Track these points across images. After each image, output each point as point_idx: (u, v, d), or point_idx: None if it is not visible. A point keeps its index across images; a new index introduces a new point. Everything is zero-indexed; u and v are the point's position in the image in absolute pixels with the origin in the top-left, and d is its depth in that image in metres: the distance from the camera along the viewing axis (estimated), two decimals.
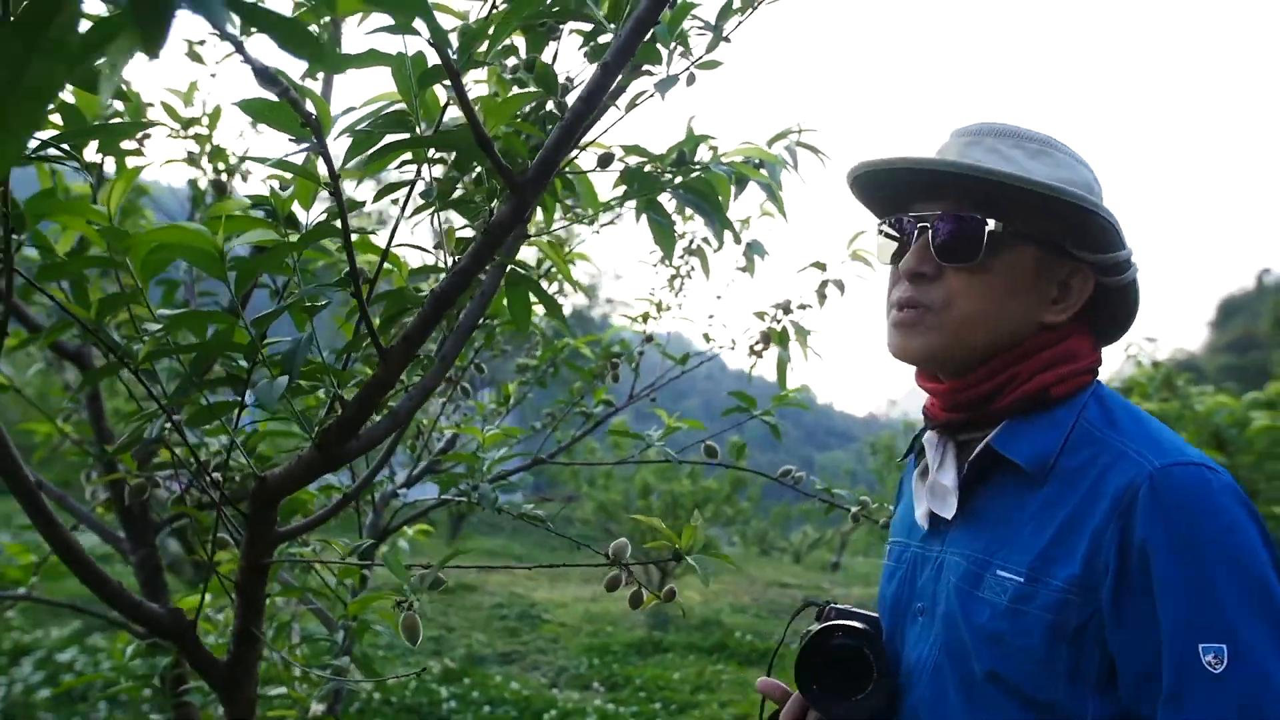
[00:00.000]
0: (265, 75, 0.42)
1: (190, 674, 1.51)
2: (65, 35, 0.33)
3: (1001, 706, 0.84)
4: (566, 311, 1.63)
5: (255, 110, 0.64)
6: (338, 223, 0.90)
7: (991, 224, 0.90)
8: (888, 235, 1.00)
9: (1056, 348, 0.92)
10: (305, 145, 0.66)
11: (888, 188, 0.99)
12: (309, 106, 0.60)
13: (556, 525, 1.49)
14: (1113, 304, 0.97)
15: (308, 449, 0.99)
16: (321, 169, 0.87)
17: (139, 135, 1.24)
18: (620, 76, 0.90)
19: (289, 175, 0.88)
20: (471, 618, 7.71)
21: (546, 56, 1.08)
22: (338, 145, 0.87)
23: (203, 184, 1.79)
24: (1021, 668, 0.82)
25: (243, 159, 1.69)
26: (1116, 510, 0.80)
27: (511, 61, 1.06)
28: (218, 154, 1.68)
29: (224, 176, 1.68)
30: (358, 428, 0.96)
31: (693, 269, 2.25)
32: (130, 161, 1.20)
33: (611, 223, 1.87)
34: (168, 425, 0.97)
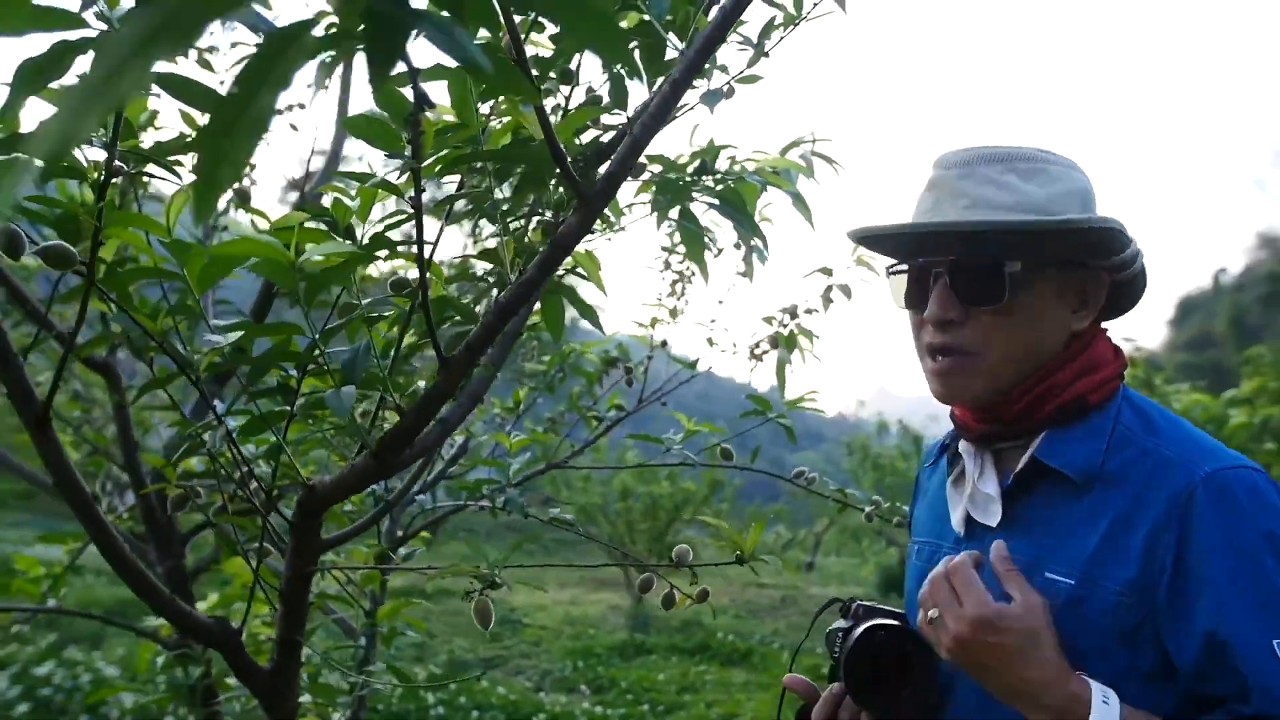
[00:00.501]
0: (424, 100, 0.43)
1: (220, 685, 1.51)
2: (294, 65, 0.34)
3: None
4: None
5: (358, 126, 0.65)
6: (393, 234, 0.92)
7: (1010, 265, 0.90)
8: (897, 275, 0.99)
9: (1085, 355, 0.94)
10: (399, 160, 0.67)
11: (893, 238, 0.99)
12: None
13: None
14: (1122, 294, 1.00)
15: (362, 457, 0.99)
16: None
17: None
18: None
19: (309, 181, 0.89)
20: (452, 623, 7.66)
21: (568, 67, 1.10)
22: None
23: None
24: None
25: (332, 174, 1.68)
26: (1173, 513, 0.83)
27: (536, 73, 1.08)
28: None
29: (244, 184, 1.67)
30: (414, 436, 0.97)
31: (693, 274, 2.28)
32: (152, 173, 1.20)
33: (622, 229, 1.89)
34: (221, 436, 0.97)
